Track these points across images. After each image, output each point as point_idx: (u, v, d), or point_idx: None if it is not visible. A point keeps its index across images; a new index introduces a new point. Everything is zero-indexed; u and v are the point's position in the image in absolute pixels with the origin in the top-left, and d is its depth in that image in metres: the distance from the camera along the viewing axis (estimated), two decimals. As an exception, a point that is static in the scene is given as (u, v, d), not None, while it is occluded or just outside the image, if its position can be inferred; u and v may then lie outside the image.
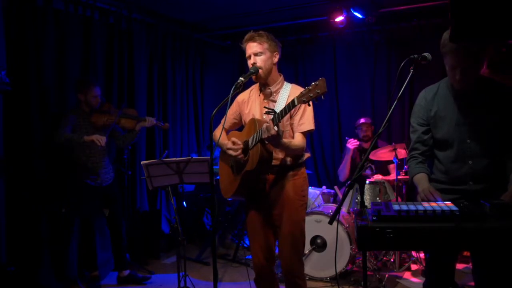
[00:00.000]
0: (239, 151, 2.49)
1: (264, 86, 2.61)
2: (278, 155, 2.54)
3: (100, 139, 3.63)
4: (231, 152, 2.52)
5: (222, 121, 2.64)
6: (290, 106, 2.27)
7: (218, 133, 2.59)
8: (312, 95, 2.17)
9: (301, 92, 2.22)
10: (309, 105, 2.27)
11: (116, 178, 4.13)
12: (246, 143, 2.50)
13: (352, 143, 4.55)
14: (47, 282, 3.64)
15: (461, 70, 2.08)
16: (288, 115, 2.45)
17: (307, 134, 2.56)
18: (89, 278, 3.93)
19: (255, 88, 2.70)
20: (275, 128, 2.25)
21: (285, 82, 2.64)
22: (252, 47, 2.53)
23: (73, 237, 3.95)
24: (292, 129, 2.55)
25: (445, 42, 2.08)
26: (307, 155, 2.66)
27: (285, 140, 2.41)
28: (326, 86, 2.15)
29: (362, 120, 4.76)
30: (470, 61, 2.06)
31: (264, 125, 2.26)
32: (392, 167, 4.70)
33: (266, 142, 2.35)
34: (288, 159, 2.57)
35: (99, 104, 3.91)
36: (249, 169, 2.42)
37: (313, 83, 2.18)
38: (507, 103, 2.15)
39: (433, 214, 1.73)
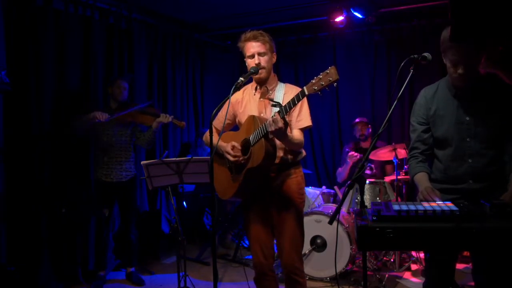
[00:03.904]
0: (237, 158, 2.45)
1: (260, 85, 2.61)
2: (279, 153, 2.53)
3: (101, 115, 3.63)
4: (229, 156, 2.48)
5: (214, 122, 2.67)
6: (300, 97, 2.21)
7: (214, 137, 2.55)
8: (323, 83, 2.10)
9: (310, 82, 2.16)
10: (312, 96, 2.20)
11: (135, 178, 4.11)
12: (245, 141, 2.48)
13: (353, 159, 4.51)
14: (47, 282, 3.64)
15: (463, 65, 2.08)
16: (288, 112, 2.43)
17: (305, 130, 2.56)
18: (95, 278, 3.94)
19: (249, 87, 2.70)
20: (282, 120, 2.21)
21: (279, 82, 2.65)
22: (255, 47, 2.53)
23: (76, 236, 3.96)
24: (290, 125, 2.53)
25: (445, 39, 2.08)
26: (303, 153, 2.66)
27: (288, 133, 2.39)
28: (337, 73, 2.07)
29: (357, 119, 4.77)
30: (472, 56, 2.05)
31: (270, 119, 2.24)
32: (389, 167, 4.70)
33: (271, 137, 2.33)
34: (289, 156, 2.57)
35: (124, 99, 3.95)
36: (254, 165, 2.38)
37: (322, 72, 2.11)
38: (507, 102, 2.15)
39: (433, 214, 1.73)
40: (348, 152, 4.60)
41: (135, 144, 4.14)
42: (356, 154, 4.51)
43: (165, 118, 3.93)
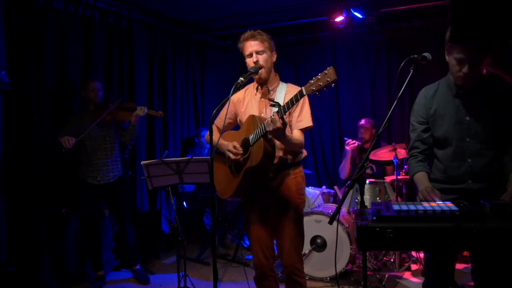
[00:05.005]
0: (239, 156, 2.46)
1: (261, 85, 2.61)
2: (278, 153, 2.53)
3: (68, 140, 3.55)
4: (230, 154, 2.48)
5: (216, 121, 2.71)
6: (298, 97, 2.22)
7: (215, 136, 2.52)
8: (321, 83, 2.11)
9: (309, 82, 2.16)
10: (318, 94, 2.19)
11: (123, 177, 4.09)
12: (245, 141, 2.48)
13: (350, 145, 4.54)
14: (47, 282, 3.64)
15: (469, 64, 2.08)
16: (286, 112, 2.44)
17: (305, 131, 2.56)
18: (95, 278, 3.94)
19: (251, 87, 2.70)
20: (281, 120, 2.21)
21: (281, 82, 2.65)
22: (253, 45, 2.53)
23: (70, 236, 3.95)
24: (290, 126, 2.54)
25: None
26: (304, 153, 2.66)
27: (287, 133, 2.38)
28: (335, 73, 2.08)
29: (362, 122, 4.76)
30: (479, 55, 2.05)
31: (269, 118, 2.24)
32: (389, 167, 4.70)
33: (270, 137, 2.33)
34: (288, 156, 2.57)
35: (101, 99, 3.90)
36: (252, 165, 2.38)
37: (321, 73, 2.12)
38: (507, 102, 2.15)
39: (433, 214, 1.73)
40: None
41: (121, 142, 4.10)
42: (353, 141, 4.51)
43: (141, 110, 3.91)
